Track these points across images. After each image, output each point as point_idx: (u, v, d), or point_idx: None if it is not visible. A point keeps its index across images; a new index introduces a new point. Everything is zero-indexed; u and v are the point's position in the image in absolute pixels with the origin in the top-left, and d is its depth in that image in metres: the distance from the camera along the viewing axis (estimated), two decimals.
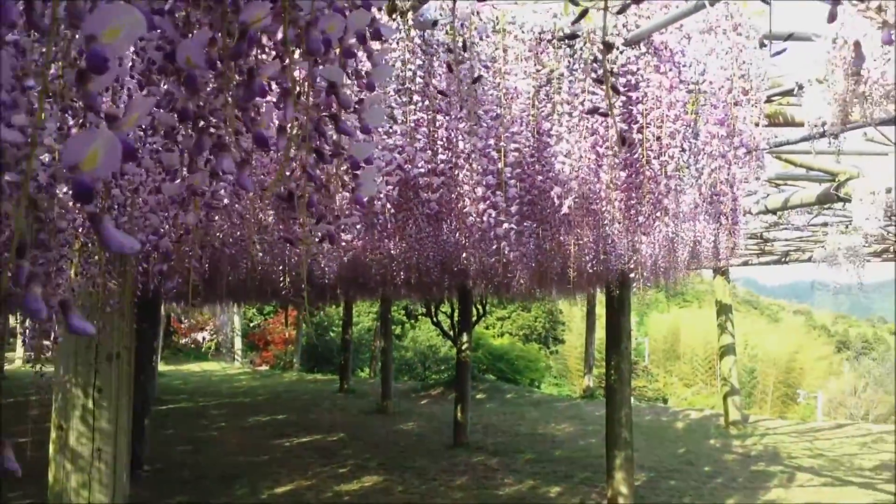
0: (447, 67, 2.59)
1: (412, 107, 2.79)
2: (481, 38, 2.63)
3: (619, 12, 1.95)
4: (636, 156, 2.96)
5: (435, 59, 2.89)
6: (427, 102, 2.89)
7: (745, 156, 2.98)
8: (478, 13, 2.57)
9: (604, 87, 2.46)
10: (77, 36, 0.73)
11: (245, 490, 9.09)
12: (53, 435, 4.12)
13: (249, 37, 0.77)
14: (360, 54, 1.02)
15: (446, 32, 2.84)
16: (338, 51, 0.89)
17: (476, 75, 2.56)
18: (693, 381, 38.82)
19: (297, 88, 0.90)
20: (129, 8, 0.63)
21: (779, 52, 2.75)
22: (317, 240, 1.02)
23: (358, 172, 0.97)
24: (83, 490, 4.04)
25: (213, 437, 13.05)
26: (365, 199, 1.02)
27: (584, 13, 1.44)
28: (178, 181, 1.04)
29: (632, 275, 4.54)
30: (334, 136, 0.96)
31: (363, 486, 9.54)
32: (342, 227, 1.09)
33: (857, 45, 1.68)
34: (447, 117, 2.93)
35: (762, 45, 2.70)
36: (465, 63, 2.59)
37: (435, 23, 2.59)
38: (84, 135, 0.60)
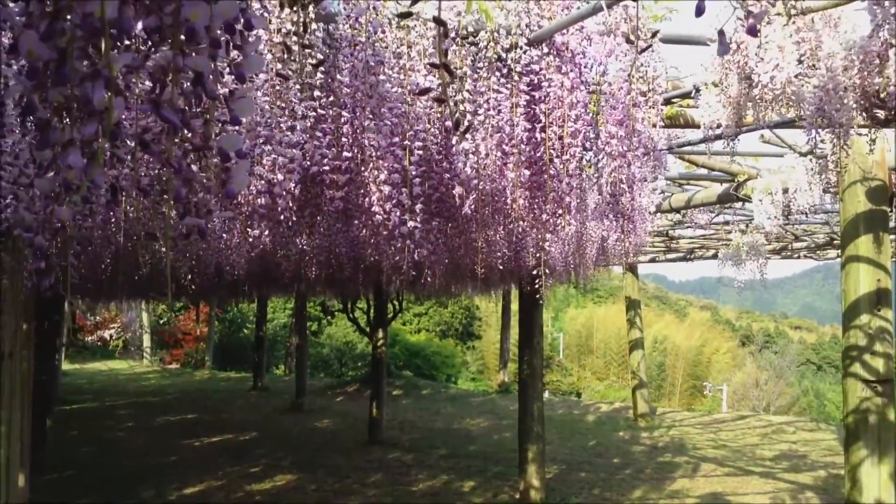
0: (350, 61, 2.57)
1: (315, 102, 2.75)
2: (375, 33, 2.61)
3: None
4: (539, 154, 3.01)
5: (340, 53, 2.87)
6: (331, 98, 2.86)
7: (643, 156, 3.06)
8: (374, 8, 2.56)
9: (441, 70, 2.49)
10: None
11: (151, 492, 8.84)
12: None
13: (93, 27, 0.74)
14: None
15: (350, 27, 2.82)
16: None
17: (375, 70, 2.55)
18: (605, 374, 39.79)
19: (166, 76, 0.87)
20: None
21: (645, 50, 2.85)
22: (185, 234, 0.99)
23: (229, 165, 0.95)
24: None
25: (119, 438, 12.65)
26: (236, 192, 0.99)
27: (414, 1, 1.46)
28: (52, 175, 1.00)
29: (534, 271, 4.59)
30: (203, 129, 0.93)
31: (275, 485, 9.41)
32: (217, 220, 1.06)
33: (722, 33, 1.75)
34: (351, 114, 2.90)
35: (628, 41, 2.78)
36: (362, 58, 2.58)
37: (336, 13, 2.57)
38: None
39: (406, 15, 2.64)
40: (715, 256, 12.63)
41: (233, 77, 1.01)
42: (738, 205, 8.08)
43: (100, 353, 27.16)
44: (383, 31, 2.61)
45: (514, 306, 20.88)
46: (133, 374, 23.51)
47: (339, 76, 2.84)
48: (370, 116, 2.76)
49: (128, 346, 27.46)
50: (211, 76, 0.87)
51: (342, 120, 2.96)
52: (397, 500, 8.78)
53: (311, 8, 2.62)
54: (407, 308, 22.39)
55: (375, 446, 11.96)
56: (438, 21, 1.45)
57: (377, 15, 2.58)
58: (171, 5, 0.79)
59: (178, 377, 23.10)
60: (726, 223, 9.30)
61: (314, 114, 2.79)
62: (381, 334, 13.01)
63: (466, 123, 2.80)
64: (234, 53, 0.98)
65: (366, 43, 2.67)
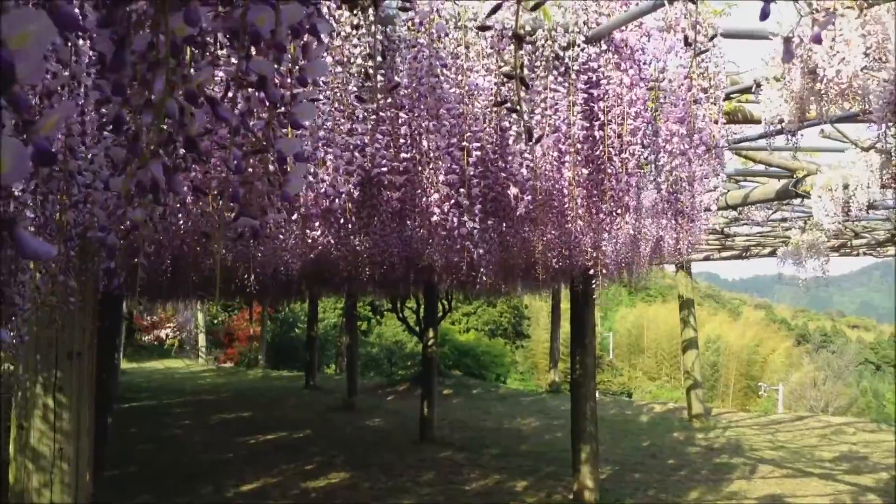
0: (412, 63, 2.58)
1: (374, 105, 2.78)
2: (440, 36, 2.62)
3: (534, 8, 1.96)
4: (598, 153, 2.99)
5: (398, 55, 2.89)
6: (390, 100, 2.89)
7: (704, 153, 3.02)
8: (438, 11, 2.57)
9: (517, 81, 2.45)
10: None
11: (210, 489, 9.01)
12: (14, 434, 4.04)
13: (174, 45, 0.76)
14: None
15: (408, 28, 2.84)
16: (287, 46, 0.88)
17: (440, 73, 2.57)
18: (657, 375, 39.32)
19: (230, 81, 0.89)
20: (39, 14, 0.62)
21: (703, 52, 2.80)
22: (238, 234, 1.01)
23: (286, 168, 0.97)
24: (45, 490, 3.97)
25: (177, 436, 12.92)
26: (293, 195, 1.01)
27: (498, 7, 1.45)
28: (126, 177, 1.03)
29: (590, 271, 4.57)
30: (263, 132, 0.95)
31: (330, 482, 9.51)
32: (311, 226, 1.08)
33: (788, 41, 1.72)
34: (410, 115, 2.92)
35: (687, 44, 2.73)
36: (426, 61, 2.59)
37: (401, 10, 2.59)
38: None
39: (485, 28, 2.65)
40: (771, 254, 12.39)
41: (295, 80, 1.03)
42: (797, 201, 7.92)
43: (156, 353, 27.78)
44: (446, 34, 2.62)
45: (564, 305, 20.77)
46: (189, 373, 23.99)
47: (396, 78, 2.87)
48: (428, 117, 2.77)
49: (183, 346, 28.05)
50: (275, 80, 0.89)
51: (400, 121, 2.98)
52: (450, 498, 8.80)
53: (370, 11, 2.65)
54: (456, 307, 22.38)
55: (427, 445, 12.00)
56: (517, 36, 1.45)
57: (439, 17, 2.59)
58: (238, 10, 0.81)
59: (233, 376, 23.50)
60: (784, 220, 9.10)
61: (374, 116, 2.81)
62: (431, 333, 13.05)
63: (539, 133, 2.79)
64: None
65: (425, 45, 2.68)
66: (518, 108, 1.76)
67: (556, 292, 17.02)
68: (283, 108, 1.03)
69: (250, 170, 1.04)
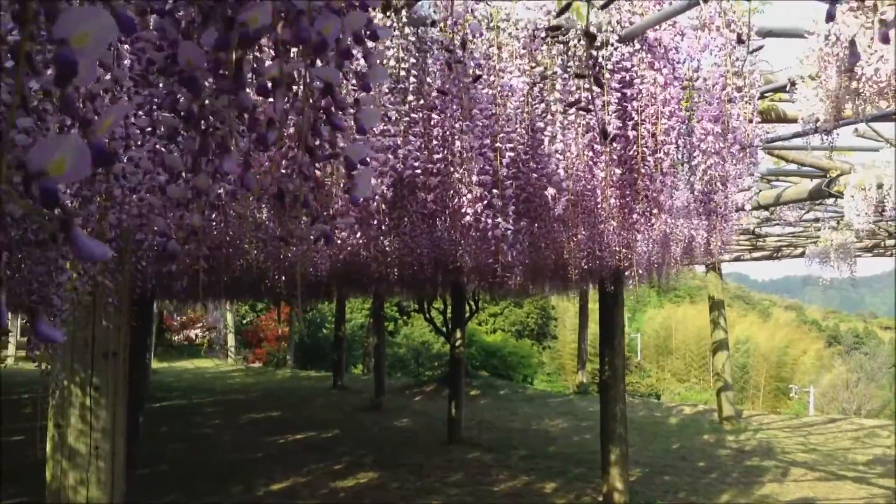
0: (446, 66, 2.58)
1: (406, 106, 2.79)
2: (474, 37, 2.63)
3: (604, 6, 1.95)
4: (631, 153, 2.97)
5: (429, 56, 2.90)
6: (422, 101, 2.89)
7: (739, 152, 2.99)
8: (472, 10, 2.57)
9: (589, 80, 2.46)
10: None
11: (240, 488, 9.08)
12: (51, 433, 4.11)
13: (246, 36, 0.77)
14: (356, 54, 1.02)
15: (440, 30, 2.85)
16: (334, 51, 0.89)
17: (474, 74, 2.57)
18: (686, 376, 38.99)
19: (294, 87, 0.90)
20: (100, 11, 0.62)
21: (757, 49, 2.78)
22: (312, 239, 1.02)
23: (354, 173, 0.98)
24: (81, 488, 4.03)
25: (208, 435, 13.04)
26: (360, 200, 1.02)
27: (567, 6, 1.45)
28: (182, 182, 1.05)
29: (627, 273, 4.54)
30: (328, 137, 0.96)
31: (358, 482, 9.54)
32: (339, 226, 1.08)
33: (853, 43, 1.70)
34: (442, 116, 2.93)
35: (740, 42, 2.71)
36: (462, 61, 2.59)
37: (433, 22, 2.59)
38: (51, 141, 0.60)
39: (555, 28, 2.65)
40: (803, 255, 12.24)
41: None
42: (830, 201, 7.82)
43: (186, 352, 28.08)
44: (481, 34, 2.62)
45: (591, 306, 20.67)
46: (218, 373, 24.21)
47: (428, 79, 2.88)
48: (461, 118, 2.77)
49: (213, 345, 28.32)
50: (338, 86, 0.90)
51: (432, 122, 2.99)
52: (479, 499, 8.79)
53: (403, 12, 2.66)
54: (482, 308, 22.36)
55: (455, 446, 12.00)
56: (588, 34, 1.45)
57: (473, 17, 2.59)
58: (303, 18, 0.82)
59: (262, 375, 23.67)
60: (816, 220, 8.98)
61: (407, 118, 2.82)
62: (458, 334, 13.05)
63: (613, 133, 2.79)
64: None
65: (458, 46, 2.68)
66: (591, 108, 1.75)
67: (584, 293, 16.94)
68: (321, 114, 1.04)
69: (320, 177, 1.05)
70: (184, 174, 1.10)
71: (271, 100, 0.92)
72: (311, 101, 0.95)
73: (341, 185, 1.04)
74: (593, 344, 21.82)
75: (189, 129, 0.87)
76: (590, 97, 2.17)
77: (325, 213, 1.00)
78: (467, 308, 14.84)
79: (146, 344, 13.32)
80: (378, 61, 1.03)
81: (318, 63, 0.94)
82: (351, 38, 0.95)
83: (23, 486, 7.53)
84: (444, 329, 15.34)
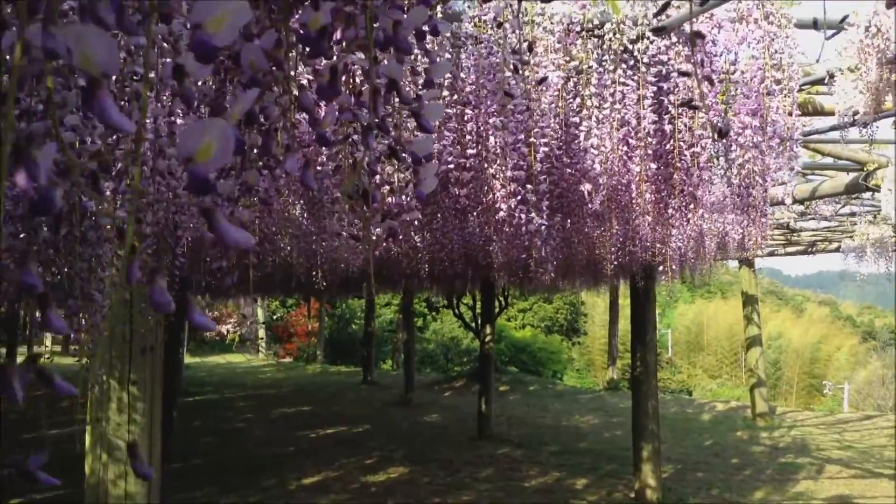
0: (513, 69, 2.57)
1: (440, 101, 2.79)
2: (513, 31, 2.61)
3: (659, 12, 1.93)
4: (667, 147, 2.94)
5: (462, 52, 2.89)
6: (456, 96, 2.89)
7: (778, 146, 2.95)
8: (510, 5, 2.56)
9: (697, 78, 2.42)
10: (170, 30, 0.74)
11: (273, 482, 9.17)
12: (90, 427, 4.17)
13: (313, 37, 0.77)
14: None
15: (475, 25, 2.84)
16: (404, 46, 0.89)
17: (541, 76, 2.56)
18: (717, 372, 38.60)
19: (375, 86, 0.90)
20: None
21: (834, 34, 2.74)
22: (386, 236, 1.03)
23: (420, 168, 0.98)
24: (119, 481, 4.09)
25: (240, 429, 13.17)
26: (427, 194, 1.02)
27: (666, 5, 1.44)
28: (232, 178, 1.05)
29: (661, 267, 4.51)
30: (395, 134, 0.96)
31: (389, 477, 9.58)
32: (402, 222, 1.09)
33: None
34: (476, 111, 2.92)
35: (816, 28, 2.67)
36: (528, 62, 2.58)
37: (500, 24, 2.58)
38: (198, 126, 0.60)
39: (661, 31, 2.64)
40: (838, 250, 12.06)
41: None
42: (867, 195, 7.69)
43: (218, 347, 28.37)
44: (520, 29, 2.61)
45: (621, 301, 20.54)
46: (250, 368, 24.44)
47: (462, 74, 2.87)
48: (495, 113, 2.76)
49: (244, 341, 28.58)
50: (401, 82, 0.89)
51: (465, 118, 2.98)
52: (510, 495, 8.78)
53: (437, 8, 2.65)
54: (511, 304, 22.29)
55: (485, 441, 12.00)
56: (697, 34, 1.44)
57: (511, 14, 2.58)
58: (364, 15, 0.82)
59: (292, 370, 23.85)
60: (853, 214, 8.84)
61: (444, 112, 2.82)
62: (488, 330, 13.03)
63: (726, 129, 2.77)
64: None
65: (492, 41, 2.68)
66: (701, 105, 1.73)
67: (615, 288, 16.84)
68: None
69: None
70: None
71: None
72: (376, 98, 0.95)
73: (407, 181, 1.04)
74: (623, 340, 21.69)
75: (243, 126, 0.87)
76: (700, 94, 2.15)
77: (392, 210, 1.00)
78: (497, 303, 14.82)
79: (179, 339, 13.48)
80: (439, 57, 1.03)
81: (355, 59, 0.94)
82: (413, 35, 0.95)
83: (61, 479, 7.64)
84: (474, 325, 15.33)
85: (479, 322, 14.00)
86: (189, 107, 0.67)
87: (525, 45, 2.51)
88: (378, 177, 1.01)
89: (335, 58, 0.85)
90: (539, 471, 10.02)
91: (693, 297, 48.10)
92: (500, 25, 2.45)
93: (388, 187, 1.07)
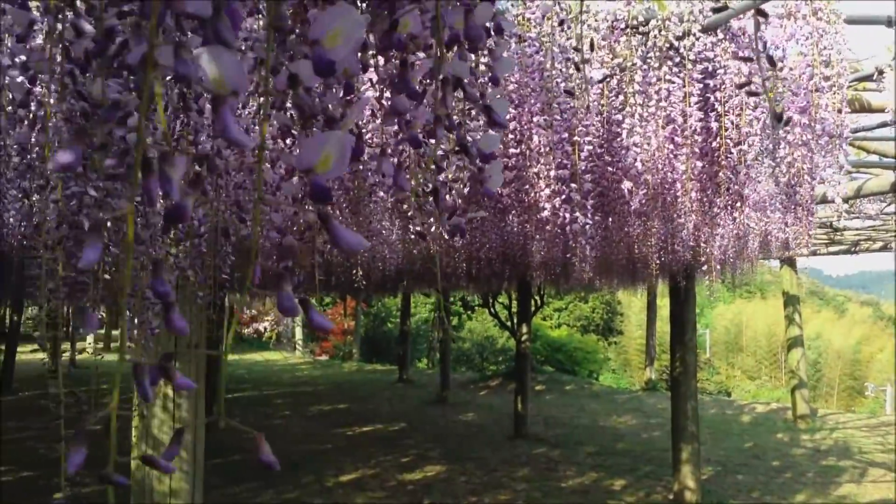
0: (574, 67, 2.57)
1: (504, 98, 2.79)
2: (562, 26, 2.60)
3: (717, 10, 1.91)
4: (713, 144, 2.91)
5: (506, 50, 2.88)
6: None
7: (827, 143, 2.90)
8: (559, 4, 2.55)
9: (759, 61, 2.38)
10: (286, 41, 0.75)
11: (311, 478, 9.24)
12: (136, 422, 4.25)
13: (399, 42, 0.78)
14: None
15: (518, 23, 2.83)
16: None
17: (602, 76, 2.55)
18: (756, 374, 38.07)
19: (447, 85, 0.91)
20: (349, 9, 0.63)
21: None
22: (451, 233, 1.03)
23: (486, 166, 0.98)
24: (164, 477, 4.16)
25: (278, 426, 13.29)
26: (494, 191, 1.02)
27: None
28: (296, 180, 1.07)
29: (704, 267, 4.45)
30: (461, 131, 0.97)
31: (426, 475, 9.61)
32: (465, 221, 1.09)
33: None
34: (519, 110, 2.92)
35: (889, 25, 2.62)
36: (589, 61, 2.58)
37: (562, 23, 2.58)
38: (318, 138, 0.61)
39: (763, 14, 2.62)
40: (882, 249, 11.83)
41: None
42: None
43: (255, 345, 28.68)
44: (568, 27, 2.60)
45: (659, 301, 20.35)
46: (287, 365, 24.66)
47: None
48: (539, 112, 2.76)
49: (280, 339, 28.85)
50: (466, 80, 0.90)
51: (508, 117, 2.97)
52: (547, 495, 8.75)
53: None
54: (547, 303, 22.19)
55: (521, 441, 11.97)
56: (760, 13, 1.43)
57: (560, 10, 2.57)
58: (430, 13, 0.82)
59: (328, 368, 24.01)
60: None
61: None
62: (525, 329, 13.00)
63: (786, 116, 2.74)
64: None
65: (543, 39, 2.67)
66: (763, 90, 1.71)
67: (653, 287, 16.67)
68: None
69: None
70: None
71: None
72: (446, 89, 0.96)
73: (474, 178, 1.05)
74: (661, 340, 21.49)
75: (303, 126, 0.89)
76: (762, 79, 2.12)
77: (460, 208, 1.00)
78: (532, 303, 14.78)
79: (219, 336, 13.64)
80: (503, 53, 1.03)
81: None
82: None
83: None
84: (509, 323, 15.30)
85: (515, 321, 13.96)
86: (302, 117, 0.68)
87: (586, 41, 2.49)
88: (444, 174, 1.01)
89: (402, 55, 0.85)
90: (576, 471, 9.97)
91: (732, 297, 47.49)
92: (561, 24, 2.44)
93: (455, 185, 1.07)
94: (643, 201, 3.03)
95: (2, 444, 10.85)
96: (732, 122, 2.83)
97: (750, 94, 2.69)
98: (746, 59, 2.49)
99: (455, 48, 0.90)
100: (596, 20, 2.78)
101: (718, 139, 2.88)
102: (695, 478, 8.18)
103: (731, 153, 2.87)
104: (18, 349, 16.62)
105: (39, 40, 1.10)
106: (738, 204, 3.01)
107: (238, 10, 0.59)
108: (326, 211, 0.66)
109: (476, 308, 27.32)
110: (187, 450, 4.25)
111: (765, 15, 1.94)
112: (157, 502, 4.20)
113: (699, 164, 2.96)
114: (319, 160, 0.61)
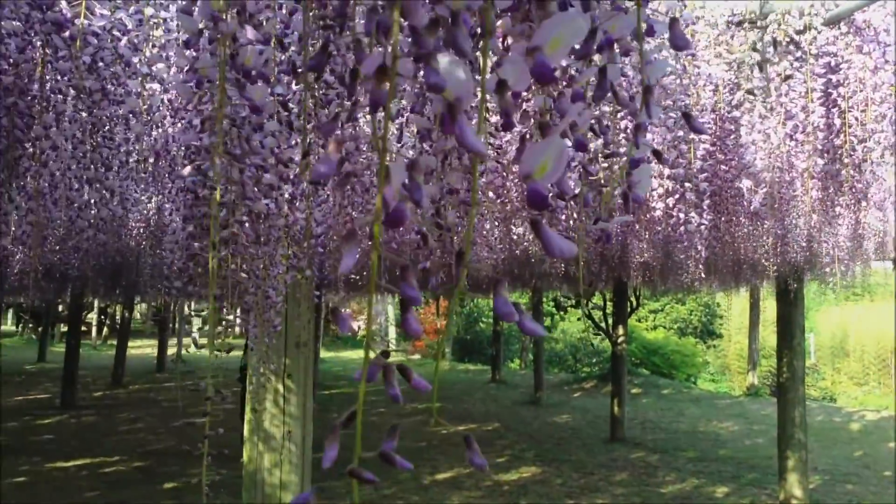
0: (758, 68, 2.54)
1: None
2: (687, 25, 2.56)
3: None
4: (836, 142, 2.80)
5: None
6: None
7: None
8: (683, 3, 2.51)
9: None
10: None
11: (407, 475, 9.35)
12: (248, 416, 4.40)
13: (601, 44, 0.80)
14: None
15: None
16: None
17: (786, 73, 2.51)
18: (864, 380, 36.30)
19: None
20: (573, 16, 0.64)
21: None
22: (596, 238, 1.04)
23: (635, 171, 0.98)
24: (275, 469, 4.30)
25: (374, 423, 13.51)
26: (643, 197, 1.02)
27: None
28: (433, 182, 1.09)
29: (815, 268, 4.29)
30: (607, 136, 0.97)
31: (521, 476, 9.59)
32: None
33: None
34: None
35: None
36: (771, 60, 2.53)
37: (740, 23, 2.55)
38: (540, 145, 0.63)
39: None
40: None
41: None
42: None
43: (350, 343, 29.23)
44: (694, 23, 2.56)
45: (762, 304, 19.66)
46: None
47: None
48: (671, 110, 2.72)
49: (374, 337, 29.28)
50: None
51: (619, 115, 2.94)
52: (646, 500, 8.60)
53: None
54: (642, 304, 21.75)
55: (618, 444, 11.80)
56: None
57: (684, 7, 2.53)
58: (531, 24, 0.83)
59: (421, 367, 24.23)
60: None
61: (597, 111, 2.79)
62: (621, 330, 12.80)
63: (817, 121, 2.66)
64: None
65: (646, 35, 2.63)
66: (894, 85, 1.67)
67: (756, 290, 16.14)
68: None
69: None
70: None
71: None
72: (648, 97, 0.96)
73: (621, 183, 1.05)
74: (764, 344, 20.76)
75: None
76: None
77: (605, 212, 1.01)
78: (628, 304, 14.52)
79: (317, 334, 13.99)
80: (656, 56, 1.03)
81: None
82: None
83: (221, 466, 8.08)
84: (603, 325, 15.09)
85: (610, 322, 13.76)
86: (508, 119, 0.70)
87: (770, 40, 2.44)
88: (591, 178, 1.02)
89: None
90: (676, 477, 9.76)
91: (838, 299, 45.43)
92: (739, 24, 2.40)
93: (601, 188, 1.07)
94: (763, 200, 2.95)
95: (116, 435, 11.44)
96: (857, 119, 2.72)
97: None
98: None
99: (609, 52, 0.91)
100: (713, 16, 2.72)
101: (842, 136, 2.77)
102: (802, 487, 7.88)
103: (854, 150, 2.76)
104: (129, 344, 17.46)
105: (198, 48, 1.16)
106: (862, 203, 2.89)
107: (468, 19, 0.61)
108: (538, 217, 0.67)
109: (568, 308, 27.08)
110: (296, 444, 4.38)
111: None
112: (268, 494, 4.34)
113: (820, 161, 2.86)
114: (538, 166, 0.62)
